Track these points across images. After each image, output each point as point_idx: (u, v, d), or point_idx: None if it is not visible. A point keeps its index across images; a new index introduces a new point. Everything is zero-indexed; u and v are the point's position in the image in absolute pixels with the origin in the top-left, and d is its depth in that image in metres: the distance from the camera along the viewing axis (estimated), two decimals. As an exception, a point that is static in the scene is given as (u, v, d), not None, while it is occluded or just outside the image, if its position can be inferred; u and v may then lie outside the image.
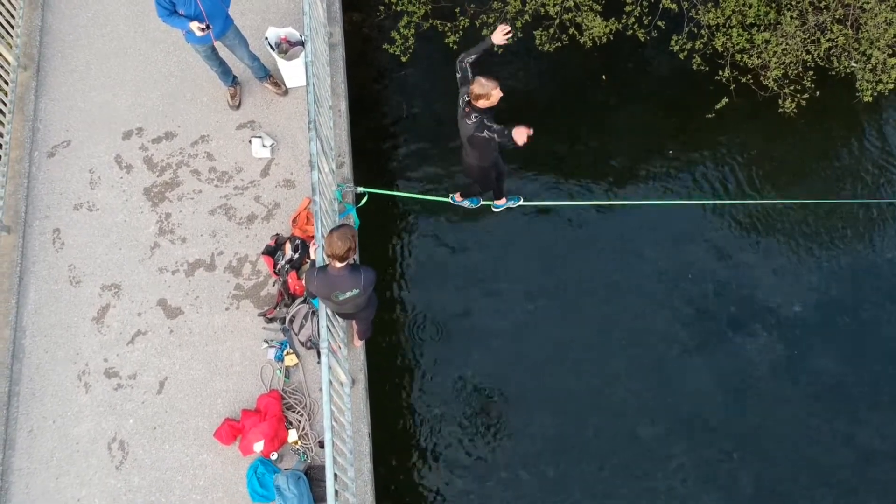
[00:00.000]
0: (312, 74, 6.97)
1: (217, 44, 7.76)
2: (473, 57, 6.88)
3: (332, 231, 5.77)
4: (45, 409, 7.26)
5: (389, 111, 10.66)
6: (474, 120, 6.71)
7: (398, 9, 10.44)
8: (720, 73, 9.93)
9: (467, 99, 6.73)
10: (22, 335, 7.53)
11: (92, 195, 8.07)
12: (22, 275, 7.75)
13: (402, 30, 10.32)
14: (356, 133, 8.61)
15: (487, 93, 6.53)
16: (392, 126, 10.54)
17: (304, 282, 6.64)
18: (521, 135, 6.57)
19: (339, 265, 5.85)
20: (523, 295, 9.35)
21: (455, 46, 10.30)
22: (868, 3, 9.28)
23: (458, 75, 6.87)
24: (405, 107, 10.68)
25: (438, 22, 10.41)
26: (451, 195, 8.53)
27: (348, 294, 6.01)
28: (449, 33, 10.35)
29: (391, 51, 10.41)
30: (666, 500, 8.55)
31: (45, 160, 8.25)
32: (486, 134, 6.73)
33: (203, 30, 7.20)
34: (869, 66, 9.50)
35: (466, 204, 8.44)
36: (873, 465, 8.63)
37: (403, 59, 10.43)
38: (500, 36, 6.94)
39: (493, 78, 6.51)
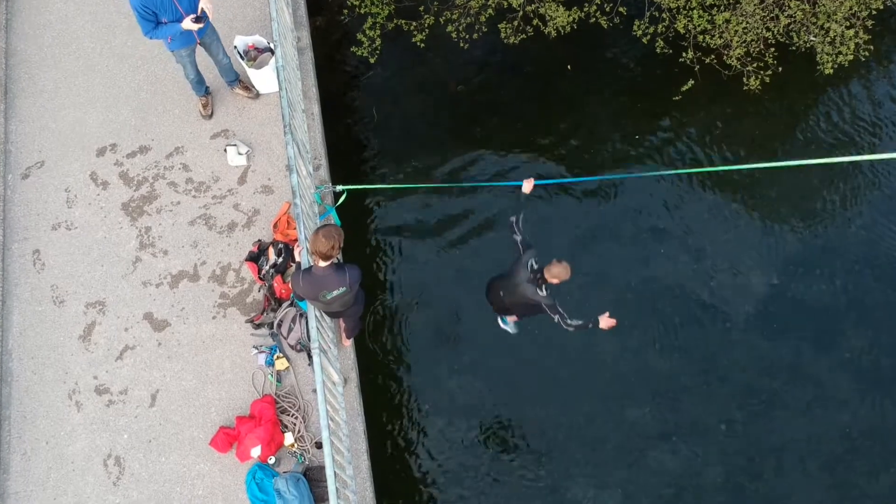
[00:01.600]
0: (284, 79, 7.00)
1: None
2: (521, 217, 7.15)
3: (317, 230, 5.82)
4: (38, 431, 7.23)
5: (361, 112, 10.70)
6: (545, 293, 6.92)
7: (362, 11, 10.48)
8: (684, 55, 10.06)
9: (536, 267, 6.96)
10: (8, 358, 7.49)
11: (70, 214, 8.04)
12: (4, 298, 7.70)
13: (367, 31, 10.38)
14: (329, 136, 8.63)
15: (568, 276, 6.80)
16: (364, 127, 10.58)
17: (290, 285, 6.67)
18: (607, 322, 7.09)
19: (323, 264, 5.89)
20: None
21: (422, 44, 10.36)
22: (823, -23, 9.47)
23: (518, 238, 7.10)
24: (376, 107, 10.73)
25: (403, 21, 10.47)
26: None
27: (335, 293, 6.05)
28: (415, 32, 10.41)
29: (358, 53, 10.45)
30: (655, 476, 8.68)
31: (20, 182, 8.20)
32: (555, 316, 7.00)
33: (197, 20, 7.11)
34: (828, 39, 9.67)
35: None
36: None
37: (371, 61, 10.48)
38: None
39: (566, 262, 6.88)
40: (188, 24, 7.12)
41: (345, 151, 10.21)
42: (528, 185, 6.99)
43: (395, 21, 10.49)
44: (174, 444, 7.14)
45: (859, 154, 10.09)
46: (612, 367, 9.10)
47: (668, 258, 9.61)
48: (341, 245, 5.88)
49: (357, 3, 10.43)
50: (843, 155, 10.04)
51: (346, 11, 10.82)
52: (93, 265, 7.84)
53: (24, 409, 7.31)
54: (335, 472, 5.82)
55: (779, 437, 8.76)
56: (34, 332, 7.60)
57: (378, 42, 10.38)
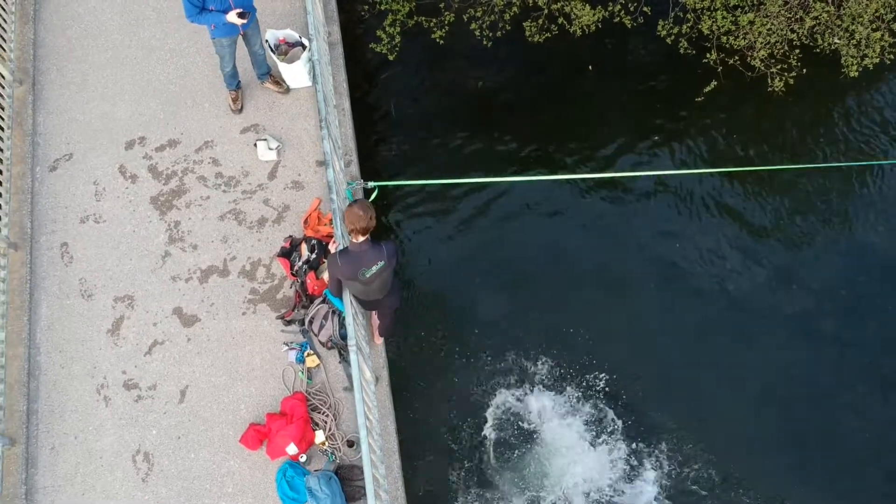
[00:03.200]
0: (319, 73, 6.97)
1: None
2: None
3: (351, 205, 5.87)
4: (66, 426, 7.19)
5: (381, 109, 10.73)
6: None
7: (382, 7, 10.50)
8: (707, 56, 10.07)
9: None
10: (36, 352, 7.45)
11: (98, 207, 8.00)
12: (32, 291, 7.66)
13: (387, 28, 10.39)
14: (358, 130, 8.60)
15: None
16: (385, 124, 10.61)
17: (328, 269, 6.57)
18: None
19: (360, 239, 5.94)
20: (534, 283, 9.50)
21: (441, 41, 10.37)
22: (849, -22, 9.47)
23: None
24: (394, 103, 10.74)
25: (424, 18, 10.47)
26: None
27: (374, 269, 6.03)
28: (435, 29, 10.41)
29: (378, 49, 10.44)
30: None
31: (48, 174, 8.16)
32: None
33: (241, 15, 7.15)
34: (853, 41, 9.67)
35: None
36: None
37: (391, 58, 10.47)
38: None
39: None
40: (233, 17, 7.13)
41: (366, 147, 10.19)
42: None
43: (415, 18, 10.49)
44: (203, 441, 7.10)
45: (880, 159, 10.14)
46: (649, 380, 9.17)
47: (685, 258, 9.70)
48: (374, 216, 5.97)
49: (378, -1, 10.46)
50: (868, 159, 10.09)
51: (366, 8, 10.81)
52: (121, 259, 7.80)
53: (51, 404, 7.27)
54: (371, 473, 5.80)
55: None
56: (62, 326, 7.56)
57: (398, 39, 10.38)
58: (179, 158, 8.19)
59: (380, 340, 7.39)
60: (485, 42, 10.38)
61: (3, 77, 8.29)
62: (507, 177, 9.95)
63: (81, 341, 7.49)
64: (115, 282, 7.70)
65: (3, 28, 8.46)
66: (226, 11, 7.12)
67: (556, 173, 10.08)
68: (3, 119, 8.13)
